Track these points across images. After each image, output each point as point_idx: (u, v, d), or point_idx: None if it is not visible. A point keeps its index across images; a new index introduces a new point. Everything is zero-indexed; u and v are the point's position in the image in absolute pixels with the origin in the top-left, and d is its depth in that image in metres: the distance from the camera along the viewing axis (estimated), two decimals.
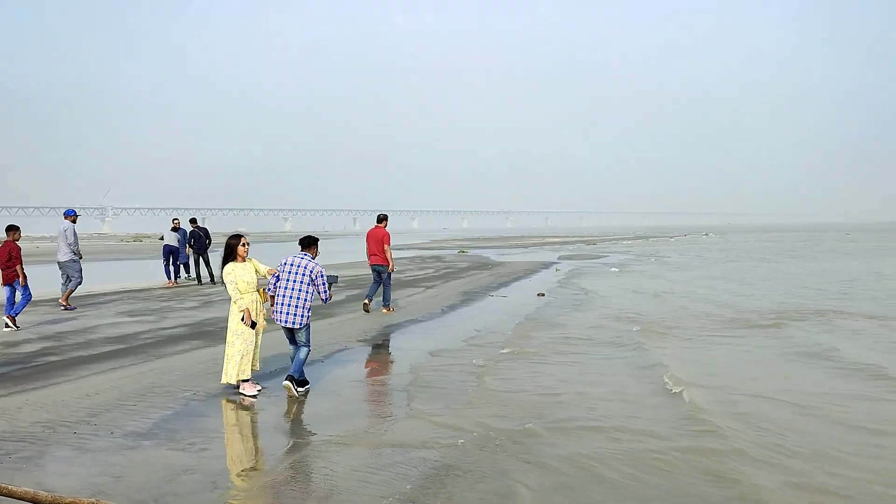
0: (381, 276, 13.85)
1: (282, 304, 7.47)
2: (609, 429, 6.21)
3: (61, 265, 14.60)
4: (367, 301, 13.94)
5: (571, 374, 8.43)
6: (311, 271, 7.50)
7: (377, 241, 13.73)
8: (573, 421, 6.46)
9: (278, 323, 7.62)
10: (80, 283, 14.70)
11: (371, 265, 13.90)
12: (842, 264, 27.81)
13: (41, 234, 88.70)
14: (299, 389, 7.52)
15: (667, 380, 7.80)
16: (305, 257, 7.63)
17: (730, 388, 7.65)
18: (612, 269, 26.33)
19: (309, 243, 7.87)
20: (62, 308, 14.22)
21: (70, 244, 14.49)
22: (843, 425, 6.31)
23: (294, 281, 7.47)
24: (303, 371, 7.66)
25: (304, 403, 7.23)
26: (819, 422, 6.44)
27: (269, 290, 7.66)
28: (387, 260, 13.63)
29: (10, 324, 11.80)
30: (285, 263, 7.59)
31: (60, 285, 14.71)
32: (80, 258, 14.78)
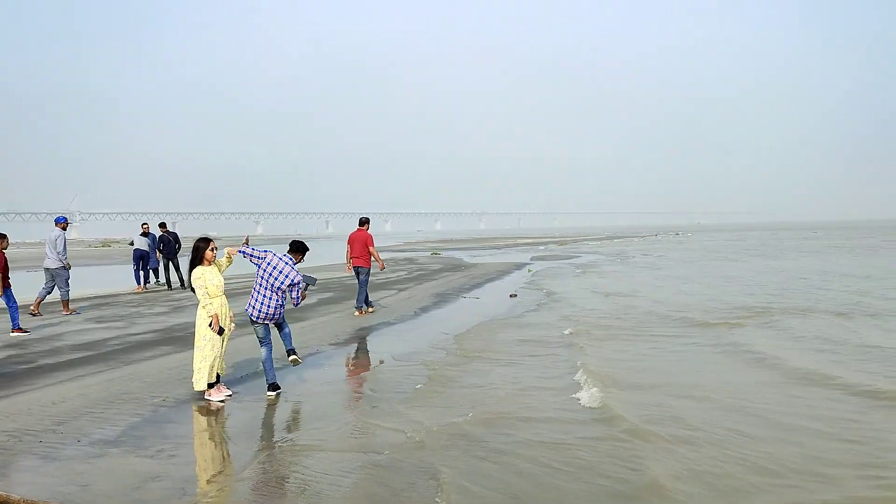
0: (359, 277, 14.08)
1: (260, 303, 7.62)
2: (527, 421, 6.51)
3: (50, 272, 14.62)
4: (368, 307, 14.30)
5: (517, 374, 8.55)
6: (293, 280, 7.60)
7: (362, 243, 13.99)
8: (506, 414, 6.71)
9: (254, 318, 7.67)
10: (68, 292, 14.75)
11: (353, 266, 14.11)
12: (797, 262, 28.20)
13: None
14: (270, 394, 7.60)
15: (580, 377, 8.06)
16: (289, 263, 7.70)
17: (645, 384, 7.92)
18: (577, 270, 26.47)
19: (297, 249, 8.04)
20: (65, 314, 14.44)
21: (59, 252, 14.54)
22: (757, 419, 6.52)
23: (272, 286, 7.59)
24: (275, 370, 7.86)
25: (273, 408, 7.23)
26: (729, 415, 6.64)
27: (241, 250, 7.78)
28: (369, 262, 13.97)
29: (21, 332, 11.97)
30: (269, 263, 7.64)
31: (41, 289, 14.76)
32: (69, 268, 14.82)
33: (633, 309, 14.33)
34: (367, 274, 14.15)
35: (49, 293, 14.78)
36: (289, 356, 7.98)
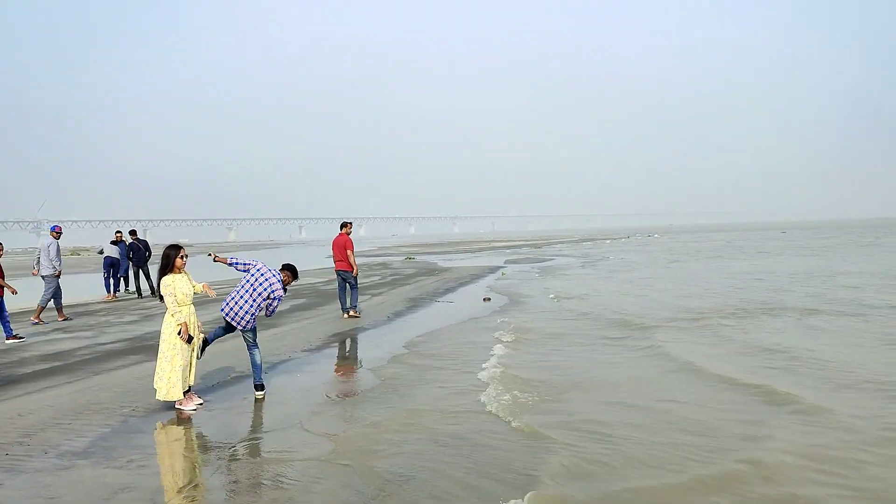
0: (347, 281, 14.37)
1: (236, 304, 7.77)
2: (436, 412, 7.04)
3: (45, 278, 14.91)
4: (343, 312, 14.43)
5: (454, 378, 8.67)
6: (274, 293, 7.82)
7: (341, 247, 14.30)
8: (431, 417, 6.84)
9: (224, 316, 7.84)
10: (48, 301, 14.86)
11: (336, 271, 14.45)
12: (740, 264, 28.45)
13: None
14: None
15: (494, 379, 8.30)
16: (276, 277, 7.91)
17: (555, 384, 8.13)
18: (545, 274, 26.47)
19: (291, 271, 8.22)
20: (33, 322, 14.46)
21: (51, 259, 14.85)
22: (652, 415, 6.80)
23: (255, 290, 7.78)
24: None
25: (244, 416, 7.19)
26: (626, 412, 6.92)
27: (230, 261, 7.97)
28: (351, 266, 14.16)
29: (15, 339, 12.10)
30: (258, 270, 7.87)
31: (53, 300, 15.04)
32: (58, 275, 14.97)
33: (580, 312, 14.42)
34: (354, 277, 14.36)
35: (61, 298, 15.10)
36: (256, 390, 7.95)
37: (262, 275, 7.82)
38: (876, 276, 20.37)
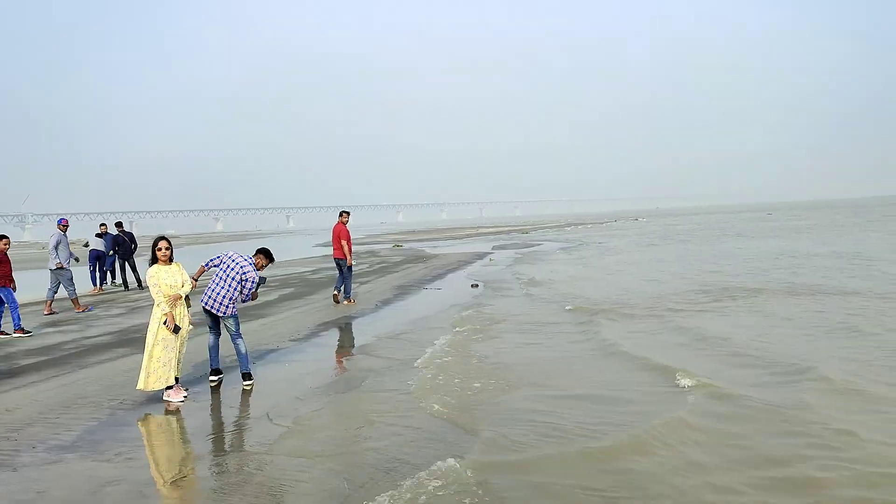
0: (342, 269, 14.74)
1: (212, 291, 7.95)
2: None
3: (52, 272, 15.06)
4: (335, 292, 14.87)
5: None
6: (245, 275, 7.97)
7: (335, 236, 14.76)
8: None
9: (204, 306, 8.01)
10: (74, 292, 15.04)
11: (333, 258, 14.96)
12: (704, 246, 28.79)
13: None
14: (213, 378, 8.12)
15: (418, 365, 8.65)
16: (248, 260, 8.06)
17: (489, 369, 8.37)
18: (529, 259, 26.58)
19: (261, 252, 8.37)
20: (77, 311, 14.86)
21: (49, 251, 15.08)
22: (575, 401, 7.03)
23: (228, 276, 7.95)
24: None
25: (231, 408, 7.21)
26: (542, 392, 7.31)
27: (206, 265, 8.16)
28: (344, 254, 14.59)
29: (22, 334, 12.09)
30: (230, 258, 8.05)
31: (48, 290, 15.19)
32: (61, 268, 14.98)
33: (548, 299, 14.54)
34: (348, 266, 14.69)
35: (55, 293, 15.21)
36: (243, 379, 8.03)
37: (232, 260, 8.02)
38: (837, 257, 20.68)
